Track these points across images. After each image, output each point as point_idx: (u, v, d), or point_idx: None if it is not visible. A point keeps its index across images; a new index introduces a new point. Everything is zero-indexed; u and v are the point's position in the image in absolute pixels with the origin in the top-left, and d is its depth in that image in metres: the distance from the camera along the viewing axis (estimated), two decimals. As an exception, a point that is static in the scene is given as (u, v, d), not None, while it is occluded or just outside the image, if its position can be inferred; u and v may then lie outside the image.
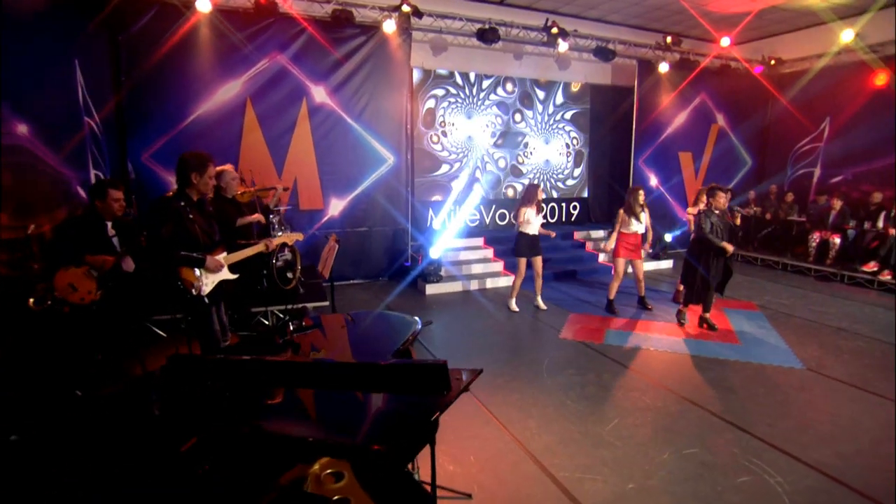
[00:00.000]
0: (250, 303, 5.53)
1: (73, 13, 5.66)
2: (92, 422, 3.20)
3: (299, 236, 4.50)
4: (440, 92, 9.36)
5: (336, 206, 8.03)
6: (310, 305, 6.15)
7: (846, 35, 9.32)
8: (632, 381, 4.70)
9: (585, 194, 10.99)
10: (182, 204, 3.41)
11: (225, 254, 3.62)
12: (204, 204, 3.62)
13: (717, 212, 5.95)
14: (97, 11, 5.98)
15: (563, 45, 8.67)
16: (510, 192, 10.25)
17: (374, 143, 8.06)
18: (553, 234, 6.76)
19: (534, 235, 6.52)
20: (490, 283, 8.14)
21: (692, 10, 9.48)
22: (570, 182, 10.84)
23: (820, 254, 9.28)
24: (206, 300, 3.49)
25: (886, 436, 3.78)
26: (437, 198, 9.61)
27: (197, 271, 3.44)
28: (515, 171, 10.26)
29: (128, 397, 3.40)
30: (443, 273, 7.99)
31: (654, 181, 10.47)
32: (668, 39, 9.49)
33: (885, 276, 8.14)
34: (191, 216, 3.43)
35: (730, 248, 5.76)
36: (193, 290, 3.42)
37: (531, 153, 10.31)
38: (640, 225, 6.55)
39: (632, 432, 3.80)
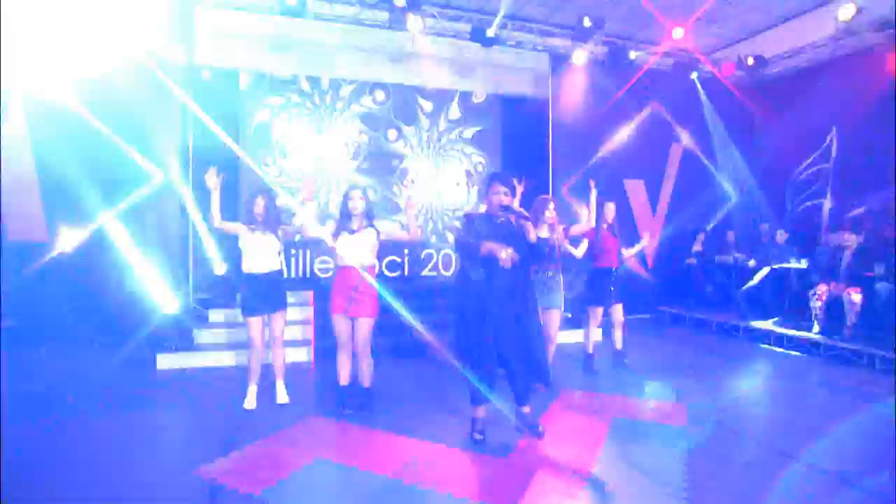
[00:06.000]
0: None
1: None
2: None
3: None
4: (278, 101, 7.04)
5: (71, 239, 5.56)
6: None
7: (844, 11, 6.64)
8: None
9: (495, 237, 8.10)
10: None
11: None
12: None
13: (482, 211, 3.31)
14: None
15: (414, 23, 6.23)
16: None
17: (131, 150, 5.69)
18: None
19: (261, 275, 3.81)
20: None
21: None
22: (472, 220, 8.01)
23: (832, 317, 5.94)
24: None
25: None
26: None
27: None
28: (391, 207, 7.56)
29: None
30: (204, 339, 5.23)
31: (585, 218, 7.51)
32: (587, 21, 6.88)
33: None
34: None
35: (503, 253, 3.05)
36: None
37: (412, 182, 7.63)
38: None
39: None
